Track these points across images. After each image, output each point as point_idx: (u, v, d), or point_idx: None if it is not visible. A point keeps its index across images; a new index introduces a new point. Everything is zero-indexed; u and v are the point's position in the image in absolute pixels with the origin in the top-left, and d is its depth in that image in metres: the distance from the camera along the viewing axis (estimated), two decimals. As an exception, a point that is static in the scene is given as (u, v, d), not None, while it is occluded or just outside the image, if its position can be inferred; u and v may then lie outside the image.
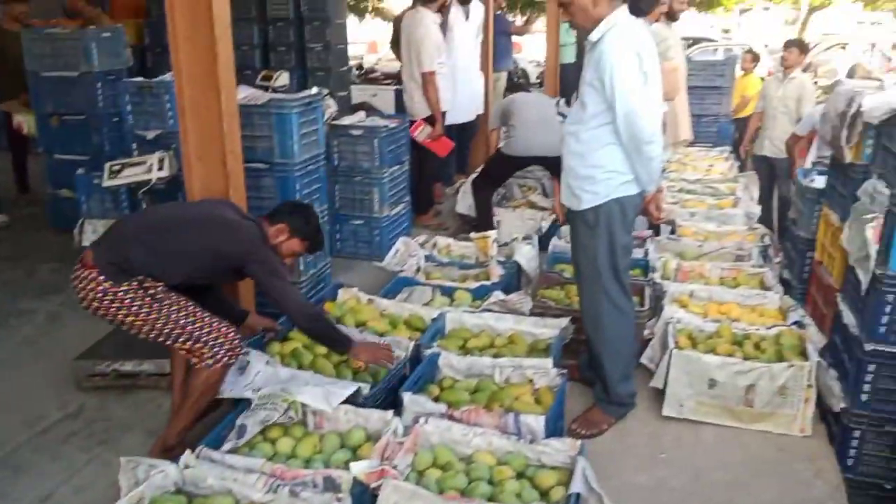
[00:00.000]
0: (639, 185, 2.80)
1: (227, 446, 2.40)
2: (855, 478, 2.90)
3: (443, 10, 5.43)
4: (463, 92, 5.84)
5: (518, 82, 10.12)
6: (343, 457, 2.38)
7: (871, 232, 2.73)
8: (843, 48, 12.85)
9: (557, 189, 5.11)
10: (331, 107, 4.41)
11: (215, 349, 2.51)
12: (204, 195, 2.93)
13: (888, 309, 2.71)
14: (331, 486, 2.15)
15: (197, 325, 2.52)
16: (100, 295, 2.45)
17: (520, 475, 2.32)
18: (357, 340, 2.85)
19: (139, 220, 2.82)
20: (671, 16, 4.99)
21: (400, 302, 3.58)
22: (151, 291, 2.50)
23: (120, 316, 2.48)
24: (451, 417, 2.54)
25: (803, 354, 3.01)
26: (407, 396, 2.62)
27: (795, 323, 3.29)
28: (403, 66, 5.35)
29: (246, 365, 2.77)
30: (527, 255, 4.22)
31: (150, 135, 3.96)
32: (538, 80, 15.44)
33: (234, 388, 2.67)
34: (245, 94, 3.47)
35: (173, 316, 2.50)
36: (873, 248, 2.73)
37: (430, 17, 5.18)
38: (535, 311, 3.51)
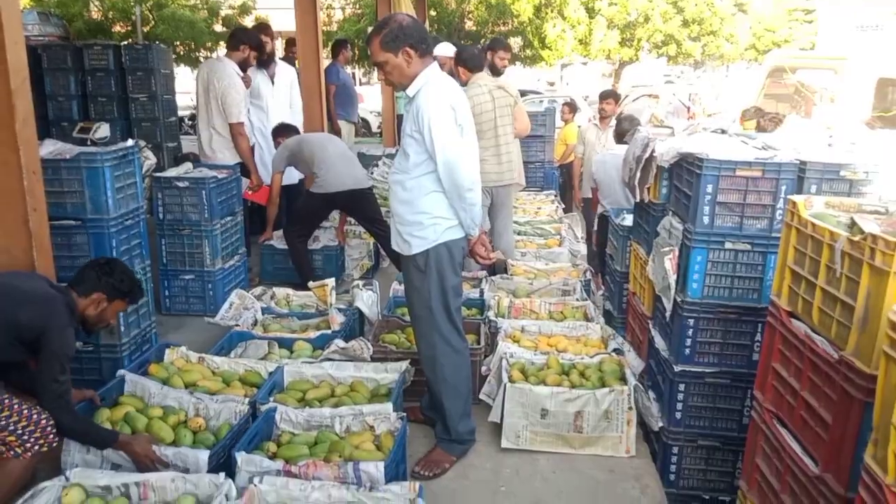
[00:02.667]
0: (462, 229, 2.93)
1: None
2: (677, 492, 3.14)
3: (245, 63, 5.26)
4: None
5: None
6: (170, 528, 2.22)
7: (670, 263, 3.01)
8: (657, 98, 14.07)
9: (342, 221, 5.45)
10: (149, 158, 4.21)
11: (24, 437, 2.36)
12: (4, 257, 2.69)
13: (690, 332, 2.99)
14: (154, 561, 2.01)
15: (4, 414, 2.34)
16: None
17: (360, 525, 2.28)
18: (127, 437, 2.64)
19: None
20: (494, 70, 5.34)
21: (234, 358, 3.44)
22: None
23: None
24: (288, 473, 2.46)
25: (623, 379, 3.24)
26: (240, 456, 2.50)
27: (615, 350, 3.54)
28: (200, 114, 5.13)
29: None
30: (367, 301, 4.22)
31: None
32: (378, 130, 15.72)
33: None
34: (51, 148, 3.25)
35: None
36: (672, 278, 3.02)
37: (232, 68, 5.07)
38: (377, 357, 3.51)
